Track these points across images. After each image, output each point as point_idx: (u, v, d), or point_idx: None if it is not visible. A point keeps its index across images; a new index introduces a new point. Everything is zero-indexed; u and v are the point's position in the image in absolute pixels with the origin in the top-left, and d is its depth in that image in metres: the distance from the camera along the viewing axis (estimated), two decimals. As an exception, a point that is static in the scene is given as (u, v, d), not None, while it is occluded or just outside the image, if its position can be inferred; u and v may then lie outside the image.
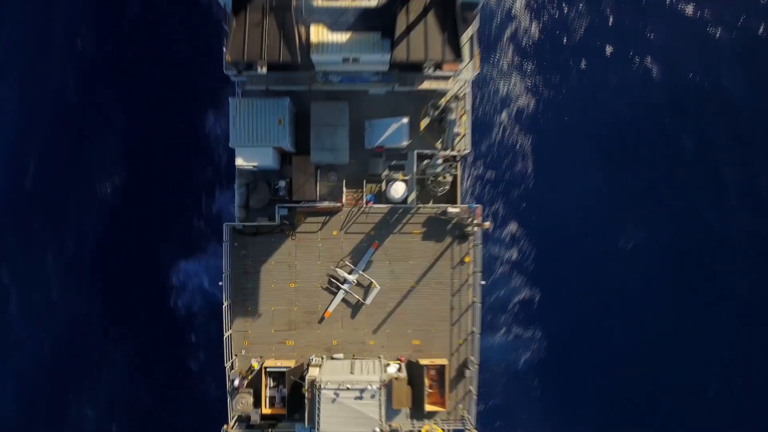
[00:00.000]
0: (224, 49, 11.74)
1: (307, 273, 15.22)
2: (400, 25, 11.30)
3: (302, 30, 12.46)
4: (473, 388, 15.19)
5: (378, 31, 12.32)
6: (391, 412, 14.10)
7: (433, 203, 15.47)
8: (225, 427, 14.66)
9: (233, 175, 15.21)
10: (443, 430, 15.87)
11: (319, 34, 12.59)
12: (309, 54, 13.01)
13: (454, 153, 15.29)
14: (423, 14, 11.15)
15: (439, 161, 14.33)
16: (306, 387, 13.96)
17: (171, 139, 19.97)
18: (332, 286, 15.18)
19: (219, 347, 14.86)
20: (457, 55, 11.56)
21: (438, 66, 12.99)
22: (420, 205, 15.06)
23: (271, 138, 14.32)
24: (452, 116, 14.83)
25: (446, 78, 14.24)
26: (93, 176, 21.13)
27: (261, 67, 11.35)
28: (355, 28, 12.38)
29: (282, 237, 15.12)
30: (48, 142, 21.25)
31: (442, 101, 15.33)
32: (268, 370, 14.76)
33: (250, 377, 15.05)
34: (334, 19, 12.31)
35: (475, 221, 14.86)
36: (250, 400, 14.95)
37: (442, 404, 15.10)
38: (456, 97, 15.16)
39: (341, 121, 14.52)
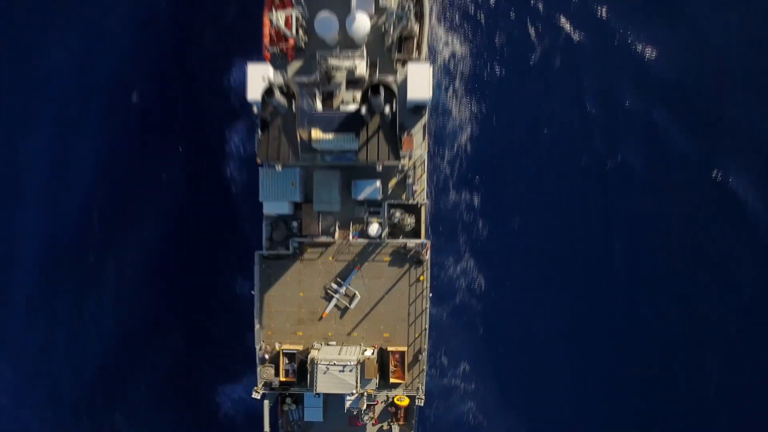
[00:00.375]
0: (256, 152, 18.76)
1: (310, 286, 22.00)
2: (362, 138, 17.93)
3: (304, 133, 19.30)
4: (424, 368, 21.76)
5: (352, 132, 19.05)
6: (364, 381, 20.83)
7: (403, 237, 22.06)
8: (255, 388, 21.67)
9: (261, 219, 22.21)
10: (407, 397, 22.56)
11: (316, 134, 19.43)
12: (310, 144, 19.87)
13: (415, 203, 21.91)
14: (376, 131, 17.73)
15: (397, 213, 21.02)
16: (308, 363, 20.80)
17: (213, 187, 27.17)
18: (327, 295, 21.94)
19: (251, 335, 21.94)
20: (397, 157, 18.12)
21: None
22: (388, 241, 21.66)
23: (287, 195, 21.22)
24: (410, 180, 21.46)
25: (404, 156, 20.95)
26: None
27: (278, 166, 18.26)
28: (338, 130, 19.12)
29: (294, 261, 21.97)
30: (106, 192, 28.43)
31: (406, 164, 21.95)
32: (284, 351, 21.66)
33: (271, 356, 22.03)
34: (324, 125, 19.12)
35: (424, 252, 21.46)
36: (272, 371, 21.83)
37: (403, 378, 21.70)
38: (414, 165, 21.74)
39: (334, 184, 21.25)
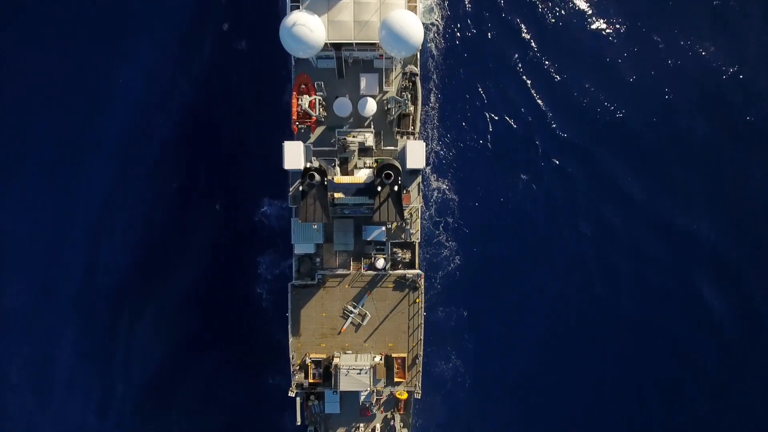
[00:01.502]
0: (295, 217, 24.88)
1: (331, 308, 28.12)
2: (376, 204, 24.16)
3: (331, 195, 25.50)
4: (420, 370, 28.19)
5: (365, 195, 25.32)
6: (375, 380, 27.19)
7: (402, 268, 28.31)
8: (290, 389, 27.72)
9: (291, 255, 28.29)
10: (407, 392, 28.91)
11: (339, 196, 25.68)
12: (333, 203, 26.07)
13: (411, 241, 28.24)
14: (386, 199, 23.96)
15: (399, 252, 27.46)
16: (332, 368, 26.99)
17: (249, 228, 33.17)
18: (345, 314, 28.14)
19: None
20: (402, 219, 24.45)
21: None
22: (391, 272, 27.98)
23: (313, 238, 27.33)
24: (407, 225, 27.80)
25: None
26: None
27: (314, 224, 24.48)
28: (355, 194, 25.35)
29: (318, 289, 28.05)
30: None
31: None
32: (312, 359, 27.83)
33: (301, 362, 28.17)
34: (345, 191, 25.32)
35: (419, 280, 27.85)
36: (302, 375, 28.01)
37: (404, 378, 28.08)
38: (410, 213, 28.05)
39: (349, 229, 27.43)
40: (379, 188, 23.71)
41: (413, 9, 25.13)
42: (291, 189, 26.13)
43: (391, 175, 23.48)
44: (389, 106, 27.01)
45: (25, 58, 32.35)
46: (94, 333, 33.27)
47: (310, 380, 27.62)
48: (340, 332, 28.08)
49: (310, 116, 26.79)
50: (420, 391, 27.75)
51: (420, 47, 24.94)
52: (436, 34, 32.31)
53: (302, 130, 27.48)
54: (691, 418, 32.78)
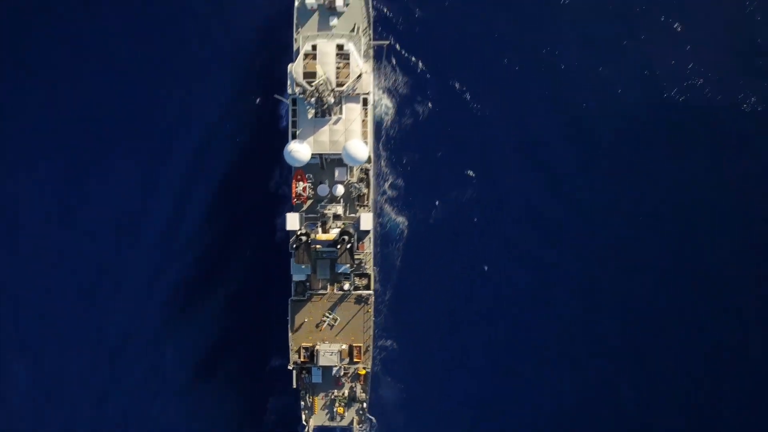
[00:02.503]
0: (293, 259, 41.87)
1: (315, 314, 44.44)
2: (339, 253, 40.86)
3: (314, 246, 42.29)
4: (371, 354, 44.55)
5: (334, 247, 42.01)
6: (341, 360, 43.58)
7: (361, 289, 44.81)
8: (290, 366, 44.13)
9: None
10: (364, 369, 45.24)
11: (319, 246, 42.49)
12: (316, 250, 42.81)
13: (366, 272, 44.80)
14: (345, 251, 40.62)
15: (356, 280, 44.13)
16: (315, 352, 43.51)
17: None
18: (323, 319, 44.68)
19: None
20: (353, 263, 41.10)
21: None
22: (353, 292, 44.40)
23: (304, 271, 43.93)
24: (364, 264, 44.39)
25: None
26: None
27: (304, 264, 41.39)
28: (328, 245, 42.09)
29: (308, 302, 44.54)
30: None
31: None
32: (303, 346, 44.34)
33: (297, 349, 44.72)
34: (323, 244, 42.07)
35: (370, 299, 44.36)
36: (297, 356, 44.50)
37: (360, 359, 44.24)
38: (364, 256, 44.61)
39: (326, 265, 43.43)
40: (338, 246, 40.59)
41: (365, 135, 42.03)
42: (291, 241, 43.00)
43: (345, 238, 40.31)
44: (351, 189, 43.82)
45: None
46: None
47: (302, 359, 44.17)
48: (320, 330, 44.70)
49: (302, 196, 43.67)
50: (370, 369, 44.27)
51: (366, 161, 41.76)
52: (390, 131, 49.05)
53: (298, 204, 44.38)
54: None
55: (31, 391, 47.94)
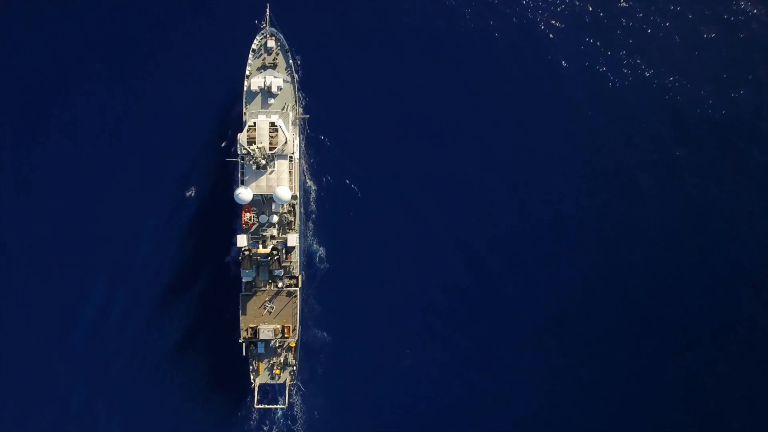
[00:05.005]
0: (242, 267, 61.39)
1: (259, 304, 64.32)
2: (270, 262, 60.66)
3: (257, 257, 61.98)
4: (298, 332, 64.20)
5: (269, 257, 61.81)
6: (276, 335, 63.32)
7: (291, 286, 64.55)
8: (240, 339, 63.70)
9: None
10: (296, 343, 64.87)
11: (260, 258, 62.33)
12: (258, 259, 62.58)
13: (294, 275, 64.55)
14: (273, 261, 60.33)
15: (285, 279, 63.85)
16: (258, 330, 63.12)
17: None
18: (264, 306, 64.30)
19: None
20: (281, 268, 60.86)
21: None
22: (285, 288, 64.23)
23: (250, 275, 63.67)
24: (291, 269, 64.16)
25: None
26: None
27: (248, 270, 60.98)
28: (265, 257, 61.90)
29: (254, 296, 64.00)
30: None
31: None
32: (250, 327, 63.80)
33: (246, 329, 64.21)
34: (260, 256, 61.79)
35: (296, 292, 64.19)
36: (245, 333, 64.04)
37: (290, 335, 63.86)
38: (291, 263, 64.33)
39: (265, 269, 63.61)
40: (269, 258, 60.53)
41: (291, 182, 61.92)
42: (240, 255, 62.68)
43: (275, 252, 60.21)
44: (282, 218, 63.63)
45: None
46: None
47: (249, 336, 63.65)
48: (262, 315, 64.37)
49: (249, 223, 63.36)
50: (296, 344, 64.03)
51: (292, 198, 61.66)
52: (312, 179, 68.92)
53: (246, 228, 64.10)
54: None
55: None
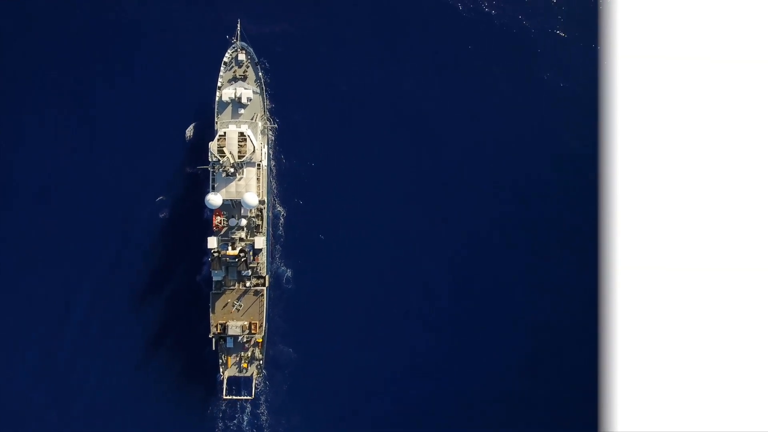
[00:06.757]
0: (211, 268, 65.55)
1: (228, 302, 68.75)
2: (238, 263, 65.25)
3: (226, 258, 66.26)
4: (264, 329, 68.67)
5: (237, 258, 66.15)
6: (243, 331, 67.68)
7: (259, 286, 68.94)
8: (211, 331, 67.96)
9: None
10: (263, 339, 69.33)
11: (228, 259, 66.63)
12: (228, 259, 66.86)
13: (262, 275, 68.98)
14: (241, 262, 64.65)
15: (253, 279, 68.25)
16: (227, 326, 67.47)
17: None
18: (233, 305, 68.64)
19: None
20: (248, 269, 65.38)
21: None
22: (253, 287, 68.58)
23: (220, 274, 67.90)
24: (258, 268, 68.56)
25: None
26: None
27: (218, 269, 65.34)
28: (233, 257, 66.21)
29: (223, 294, 68.36)
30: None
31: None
32: (219, 323, 68.07)
33: (216, 325, 68.51)
34: (229, 257, 66.12)
35: (263, 291, 68.61)
36: (216, 330, 68.35)
37: (256, 331, 68.12)
38: (258, 263, 68.69)
39: (234, 270, 67.92)
40: (236, 260, 64.88)
41: (258, 188, 66.19)
42: (210, 257, 66.88)
43: (242, 254, 64.57)
44: (250, 222, 67.92)
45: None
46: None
47: (218, 331, 67.97)
48: (231, 312, 68.67)
49: (219, 226, 67.54)
50: (264, 340, 68.50)
51: (259, 204, 65.95)
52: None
53: (217, 231, 68.25)
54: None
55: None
